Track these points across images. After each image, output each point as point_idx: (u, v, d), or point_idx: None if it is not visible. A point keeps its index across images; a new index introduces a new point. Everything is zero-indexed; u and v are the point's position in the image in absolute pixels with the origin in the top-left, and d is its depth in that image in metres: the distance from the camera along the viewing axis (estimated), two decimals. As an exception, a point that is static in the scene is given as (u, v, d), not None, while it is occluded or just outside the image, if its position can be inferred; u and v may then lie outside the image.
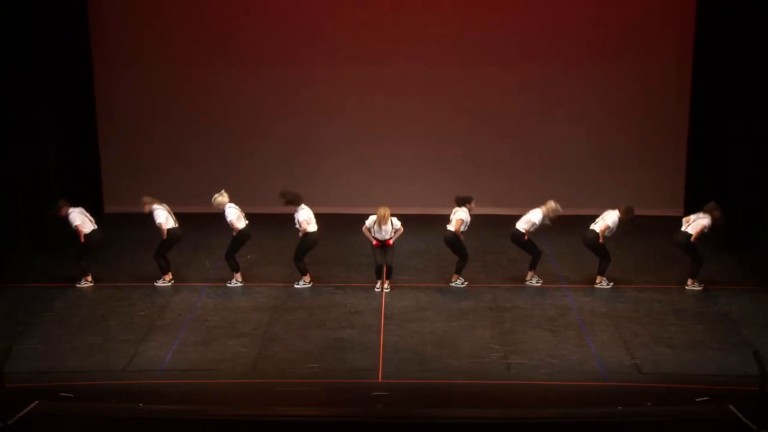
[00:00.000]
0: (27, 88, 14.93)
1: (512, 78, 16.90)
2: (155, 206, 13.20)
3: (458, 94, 16.96)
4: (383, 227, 12.91)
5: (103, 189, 17.12)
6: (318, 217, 13.49)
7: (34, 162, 15.36)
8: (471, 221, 13.21)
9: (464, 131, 17.10)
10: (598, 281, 13.27)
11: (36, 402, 8.84)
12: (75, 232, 13.09)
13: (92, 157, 16.91)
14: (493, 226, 15.80)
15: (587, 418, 8.88)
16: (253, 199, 16.51)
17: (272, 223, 14.50)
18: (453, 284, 13.28)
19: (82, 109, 16.49)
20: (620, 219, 13.04)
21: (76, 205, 13.28)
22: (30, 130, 15.18)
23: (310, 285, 13.19)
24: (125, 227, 15.09)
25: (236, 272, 13.35)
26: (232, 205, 13.27)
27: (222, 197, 13.23)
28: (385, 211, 12.92)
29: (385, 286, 12.94)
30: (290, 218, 13.44)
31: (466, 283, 13.29)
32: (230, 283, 13.29)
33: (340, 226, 14.97)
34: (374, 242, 13.02)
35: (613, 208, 13.20)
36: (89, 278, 13.27)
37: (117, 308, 12.49)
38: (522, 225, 13.19)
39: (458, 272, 13.30)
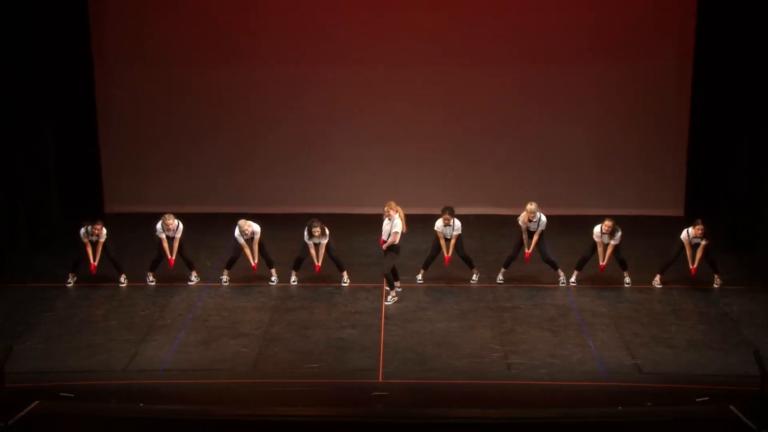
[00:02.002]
0: (27, 88, 14.93)
1: (512, 78, 16.88)
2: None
3: (459, 94, 16.94)
4: (385, 222, 12.82)
5: (103, 189, 17.11)
6: (318, 217, 13.50)
7: (34, 162, 15.36)
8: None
9: (465, 132, 17.08)
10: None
11: (36, 402, 8.85)
12: (104, 242, 13.17)
13: (92, 158, 16.89)
14: (493, 226, 15.83)
15: (587, 418, 8.89)
16: (254, 199, 16.58)
17: (273, 223, 14.49)
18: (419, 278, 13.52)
19: (82, 109, 16.48)
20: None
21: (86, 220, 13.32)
22: (30, 130, 15.18)
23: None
24: (125, 227, 15.07)
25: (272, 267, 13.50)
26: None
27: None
28: (387, 205, 12.82)
29: (388, 299, 12.77)
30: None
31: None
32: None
33: (340, 226, 14.94)
34: (381, 238, 12.94)
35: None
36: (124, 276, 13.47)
37: (117, 308, 12.50)
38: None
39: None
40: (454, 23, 16.61)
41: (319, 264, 13.21)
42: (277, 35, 16.71)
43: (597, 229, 13.19)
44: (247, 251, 13.23)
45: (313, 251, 13.19)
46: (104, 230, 13.18)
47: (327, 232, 13.14)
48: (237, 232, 13.17)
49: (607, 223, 13.08)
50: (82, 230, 13.14)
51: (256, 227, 13.19)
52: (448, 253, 13.25)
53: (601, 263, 13.21)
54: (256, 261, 13.26)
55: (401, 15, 16.58)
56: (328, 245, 13.26)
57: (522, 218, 13.21)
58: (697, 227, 13.00)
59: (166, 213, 13.25)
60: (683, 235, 13.13)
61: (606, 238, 13.15)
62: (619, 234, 13.09)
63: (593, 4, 16.58)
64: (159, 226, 13.20)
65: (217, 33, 16.67)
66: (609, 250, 13.17)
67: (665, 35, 16.58)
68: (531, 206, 13.10)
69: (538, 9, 16.57)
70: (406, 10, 16.56)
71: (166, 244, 13.24)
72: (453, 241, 13.19)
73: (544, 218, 13.16)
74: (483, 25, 16.62)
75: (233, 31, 16.69)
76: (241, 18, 16.68)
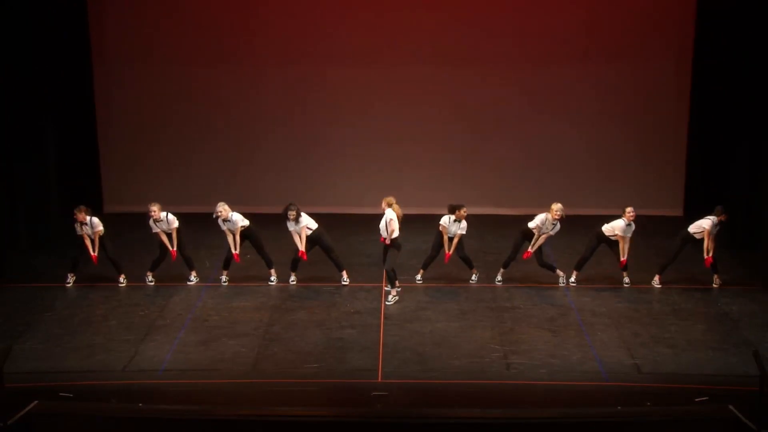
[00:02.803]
0: (27, 88, 14.94)
1: (513, 79, 16.91)
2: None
3: (459, 95, 16.97)
4: (382, 219, 12.79)
5: (103, 189, 17.12)
6: (318, 217, 13.51)
7: (34, 162, 15.37)
8: (468, 222, 13.25)
9: (465, 132, 17.11)
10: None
11: (36, 402, 8.85)
12: (98, 234, 13.13)
13: (92, 158, 16.92)
14: (493, 226, 15.83)
15: (587, 418, 8.89)
16: (254, 199, 16.56)
17: (273, 223, 14.49)
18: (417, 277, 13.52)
19: (82, 109, 16.52)
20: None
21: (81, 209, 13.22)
22: (30, 130, 15.20)
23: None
24: (125, 227, 15.07)
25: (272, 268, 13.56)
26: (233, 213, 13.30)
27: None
28: (384, 200, 12.77)
29: (388, 298, 12.75)
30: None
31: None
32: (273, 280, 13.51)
33: (340, 226, 14.97)
34: (381, 237, 12.91)
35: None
36: (123, 276, 13.45)
37: (117, 308, 12.49)
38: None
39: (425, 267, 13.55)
40: (455, 24, 16.63)
41: (302, 249, 13.12)
42: (277, 35, 16.73)
43: (621, 223, 13.06)
44: (229, 238, 13.23)
45: (296, 239, 13.14)
46: (95, 219, 13.09)
47: (302, 219, 13.04)
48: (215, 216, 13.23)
49: (629, 210, 13.01)
50: (76, 225, 13.13)
51: (235, 216, 13.17)
52: (449, 250, 13.22)
53: (622, 258, 13.16)
54: (237, 251, 13.24)
55: (401, 15, 16.60)
56: (326, 246, 13.25)
57: (544, 220, 13.01)
58: (723, 215, 12.96)
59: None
60: (706, 225, 12.98)
61: (629, 230, 13.08)
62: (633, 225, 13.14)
63: (593, 5, 16.60)
64: (150, 222, 13.23)
65: (217, 33, 16.70)
66: (628, 243, 13.11)
67: (665, 35, 16.59)
68: (560, 206, 12.96)
69: (539, 9, 16.59)
70: (406, 11, 16.58)
71: (164, 238, 13.25)
72: (456, 240, 13.17)
73: (558, 225, 13.12)
74: (483, 26, 16.65)
75: (233, 31, 16.71)
76: (241, 18, 16.70)
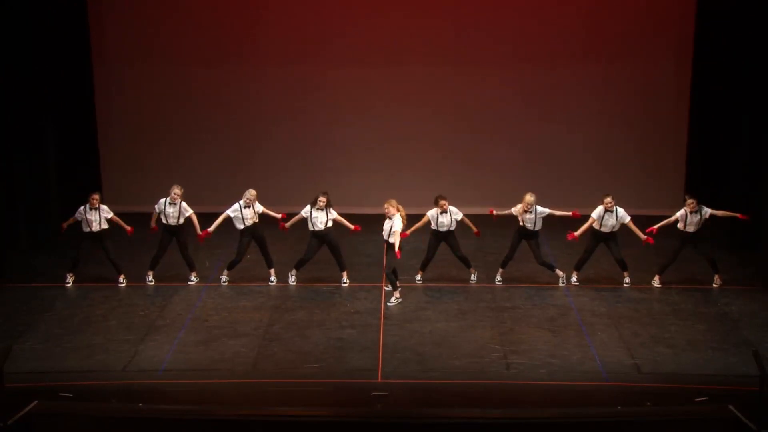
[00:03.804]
0: (27, 88, 14.95)
1: (513, 79, 16.91)
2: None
3: (459, 95, 16.97)
4: (386, 222, 12.79)
5: (103, 189, 17.10)
6: (318, 217, 13.50)
7: (34, 162, 15.37)
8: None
9: (465, 132, 17.11)
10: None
11: (36, 402, 8.85)
12: (109, 223, 13.25)
13: (92, 158, 16.92)
14: (493, 226, 15.77)
15: (587, 418, 8.89)
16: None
17: (273, 223, 14.48)
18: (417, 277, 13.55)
19: (82, 109, 16.52)
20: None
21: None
22: (30, 130, 15.20)
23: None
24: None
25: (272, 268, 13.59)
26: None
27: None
28: (388, 203, 12.75)
29: (391, 300, 12.72)
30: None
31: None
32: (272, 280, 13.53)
33: (341, 226, 14.93)
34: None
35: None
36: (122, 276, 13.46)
37: (117, 308, 12.50)
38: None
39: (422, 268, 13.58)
40: (455, 24, 16.65)
41: (353, 227, 13.16)
42: (277, 36, 16.74)
43: (599, 208, 13.14)
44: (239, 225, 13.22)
45: (310, 224, 13.09)
46: (104, 206, 13.20)
47: (332, 210, 13.14)
48: (236, 205, 13.24)
49: (608, 200, 13.11)
50: (81, 208, 13.10)
51: (257, 204, 13.28)
52: (476, 228, 13.32)
53: (648, 236, 13.16)
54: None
55: (401, 16, 16.61)
56: (334, 245, 13.24)
57: (517, 209, 13.18)
58: (689, 201, 13.06)
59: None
60: (678, 215, 13.11)
61: (609, 217, 13.09)
62: (621, 212, 13.19)
63: (593, 5, 16.60)
64: (162, 200, 13.31)
65: (217, 33, 16.71)
66: (635, 229, 13.13)
67: (664, 35, 16.60)
68: (530, 197, 13.08)
69: (539, 9, 16.60)
70: (406, 11, 16.59)
71: (155, 216, 13.34)
72: (467, 221, 13.19)
73: (541, 209, 13.13)
74: (483, 26, 16.67)
75: (233, 31, 16.72)
76: (241, 18, 16.71)
